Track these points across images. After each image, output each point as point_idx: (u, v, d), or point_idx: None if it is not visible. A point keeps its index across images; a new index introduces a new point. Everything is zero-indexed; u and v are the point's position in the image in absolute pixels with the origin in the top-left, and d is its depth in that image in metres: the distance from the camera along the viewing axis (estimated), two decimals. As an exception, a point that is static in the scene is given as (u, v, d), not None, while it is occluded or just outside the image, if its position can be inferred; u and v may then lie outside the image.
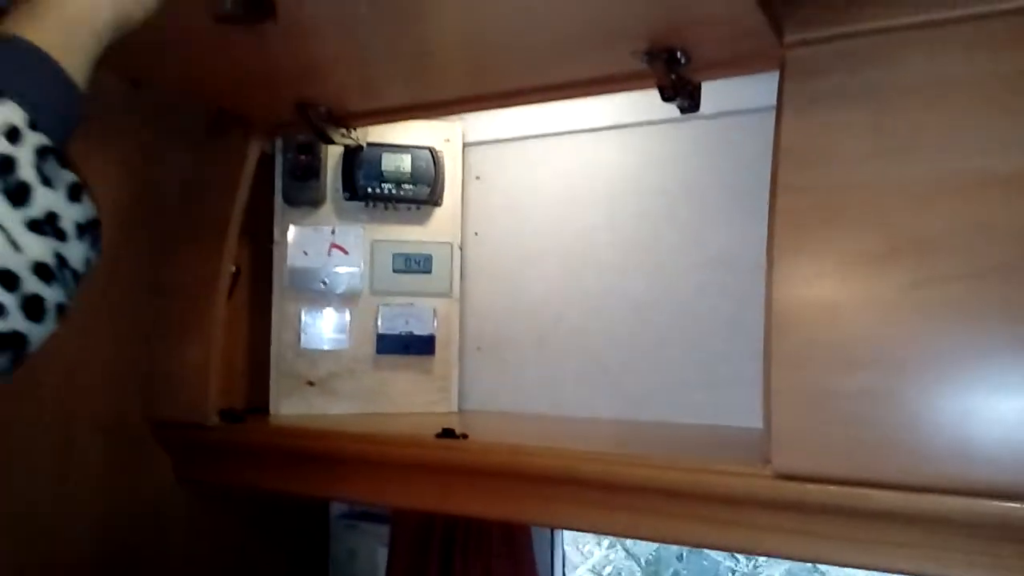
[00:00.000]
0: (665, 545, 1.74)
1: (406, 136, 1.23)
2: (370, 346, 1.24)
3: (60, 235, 0.55)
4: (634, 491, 0.87)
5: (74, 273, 0.57)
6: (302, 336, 1.22)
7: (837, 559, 0.81)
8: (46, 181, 0.54)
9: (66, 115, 0.57)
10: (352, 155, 1.20)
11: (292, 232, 1.22)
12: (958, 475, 0.70)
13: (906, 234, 0.75)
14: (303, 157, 1.19)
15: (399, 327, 1.24)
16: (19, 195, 0.52)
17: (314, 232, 1.22)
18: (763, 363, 0.80)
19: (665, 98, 0.91)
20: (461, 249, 1.30)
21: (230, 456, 1.15)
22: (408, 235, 1.25)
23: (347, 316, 1.23)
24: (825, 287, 0.78)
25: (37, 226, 0.53)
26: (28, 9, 0.58)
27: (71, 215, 0.56)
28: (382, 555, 1.34)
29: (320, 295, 1.22)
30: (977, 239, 0.71)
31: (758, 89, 0.94)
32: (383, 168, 1.21)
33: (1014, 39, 0.74)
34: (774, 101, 0.87)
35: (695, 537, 0.87)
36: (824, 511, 0.77)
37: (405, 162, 1.22)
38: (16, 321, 0.51)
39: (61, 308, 0.55)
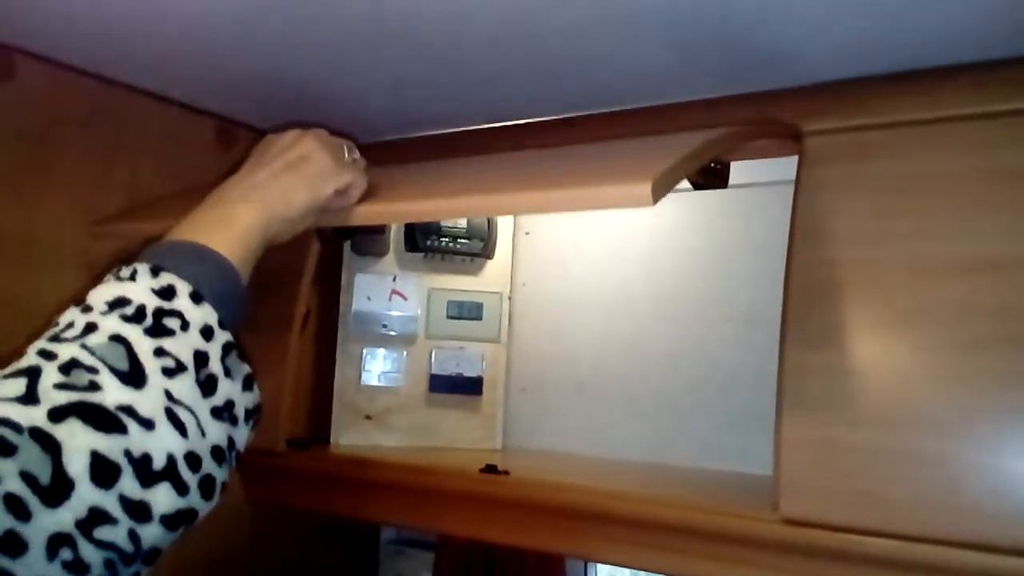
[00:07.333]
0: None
1: (464, 195, 1.32)
2: (423, 385, 1.31)
3: (234, 420, 0.59)
4: (657, 529, 0.92)
5: (237, 453, 0.60)
6: (362, 373, 1.30)
7: (836, 599, 0.85)
8: (227, 372, 0.58)
9: (240, 314, 0.62)
10: (414, 212, 1.30)
11: (358, 279, 1.31)
12: (947, 528, 0.75)
13: (902, 308, 0.81)
14: (371, 213, 1.29)
15: (450, 368, 1.32)
16: (209, 386, 0.56)
17: (377, 279, 1.31)
18: (775, 417, 0.86)
19: (696, 187, 0.97)
20: (510, 298, 1.37)
21: (294, 480, 1.23)
22: (462, 284, 1.34)
23: (404, 356, 1.31)
24: (832, 351, 0.83)
25: (218, 412, 0.57)
26: (206, 224, 0.64)
27: (243, 402, 0.60)
28: (427, 579, 1.39)
29: (380, 336, 1.31)
30: (962, 315, 0.77)
31: (780, 163, 1.00)
32: (442, 224, 1.29)
33: (1001, 138, 0.80)
34: (792, 175, 0.92)
35: (709, 573, 0.92)
36: (826, 555, 0.81)
37: (461, 219, 1.30)
38: (194, 499, 0.54)
39: (223, 486, 0.57)
